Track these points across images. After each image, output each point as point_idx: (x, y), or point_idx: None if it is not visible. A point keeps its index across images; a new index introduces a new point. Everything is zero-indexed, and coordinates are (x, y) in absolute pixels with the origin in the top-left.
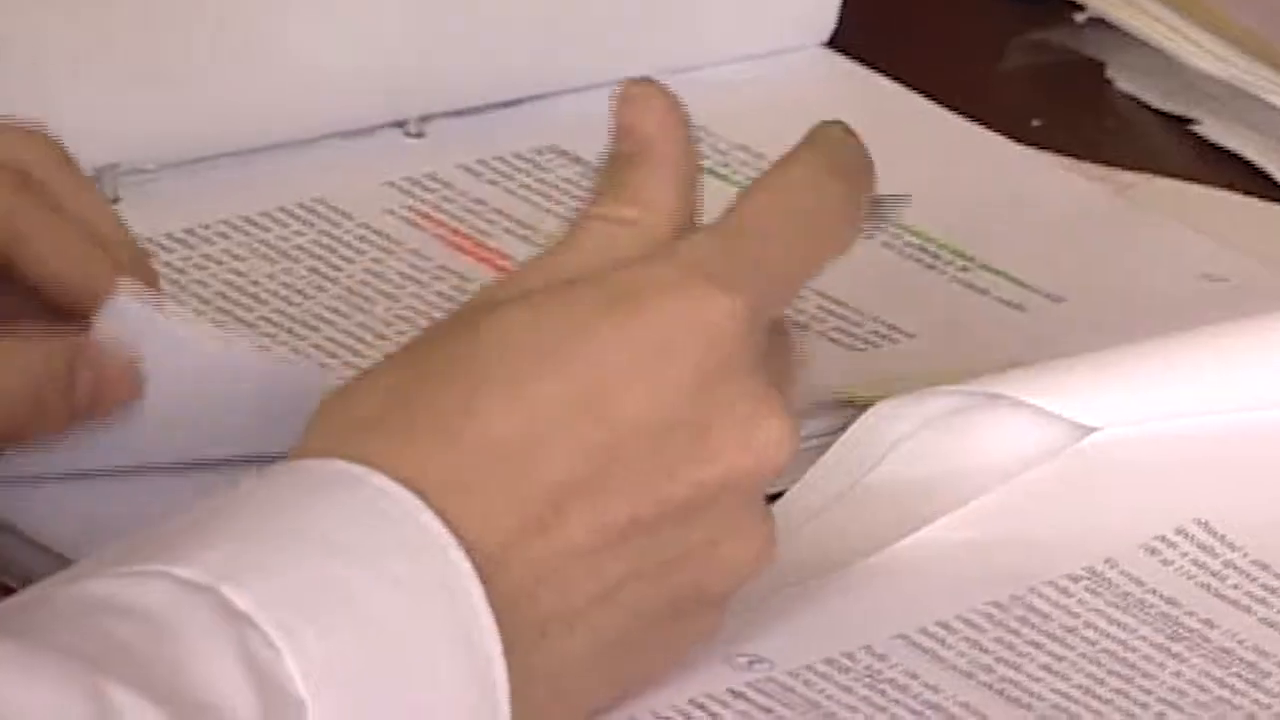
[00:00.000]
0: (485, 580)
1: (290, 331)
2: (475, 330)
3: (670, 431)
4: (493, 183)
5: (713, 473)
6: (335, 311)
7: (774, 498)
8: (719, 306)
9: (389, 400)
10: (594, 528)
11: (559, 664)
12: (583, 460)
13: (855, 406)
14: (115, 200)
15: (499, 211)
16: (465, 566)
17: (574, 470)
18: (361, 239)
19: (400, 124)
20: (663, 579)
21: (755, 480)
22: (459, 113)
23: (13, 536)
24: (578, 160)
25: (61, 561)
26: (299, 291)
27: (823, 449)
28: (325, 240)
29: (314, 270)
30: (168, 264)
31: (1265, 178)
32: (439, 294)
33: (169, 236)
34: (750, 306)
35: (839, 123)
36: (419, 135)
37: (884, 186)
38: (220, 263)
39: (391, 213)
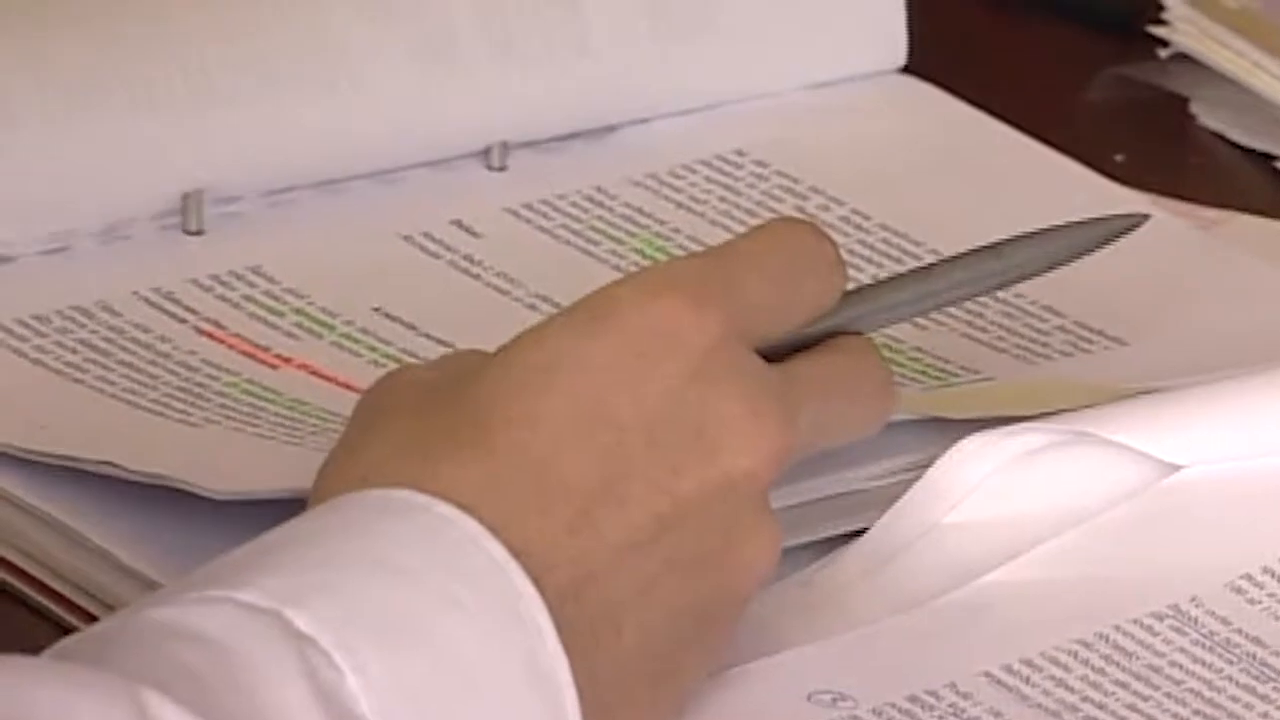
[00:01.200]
0: (537, 581)
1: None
2: (490, 370)
3: (665, 432)
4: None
5: (713, 471)
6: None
7: (857, 534)
8: (684, 318)
9: (427, 431)
10: (622, 526)
11: (613, 667)
12: (600, 463)
13: (944, 426)
14: (198, 232)
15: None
16: (529, 590)
17: (595, 474)
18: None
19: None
20: (690, 578)
21: (756, 482)
22: (537, 143)
23: (105, 561)
24: (647, 188)
25: (148, 586)
26: (386, 315)
27: (908, 484)
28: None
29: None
30: (247, 296)
31: None
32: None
33: (258, 271)
34: (722, 322)
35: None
36: (501, 169)
37: (965, 212)
38: (302, 295)
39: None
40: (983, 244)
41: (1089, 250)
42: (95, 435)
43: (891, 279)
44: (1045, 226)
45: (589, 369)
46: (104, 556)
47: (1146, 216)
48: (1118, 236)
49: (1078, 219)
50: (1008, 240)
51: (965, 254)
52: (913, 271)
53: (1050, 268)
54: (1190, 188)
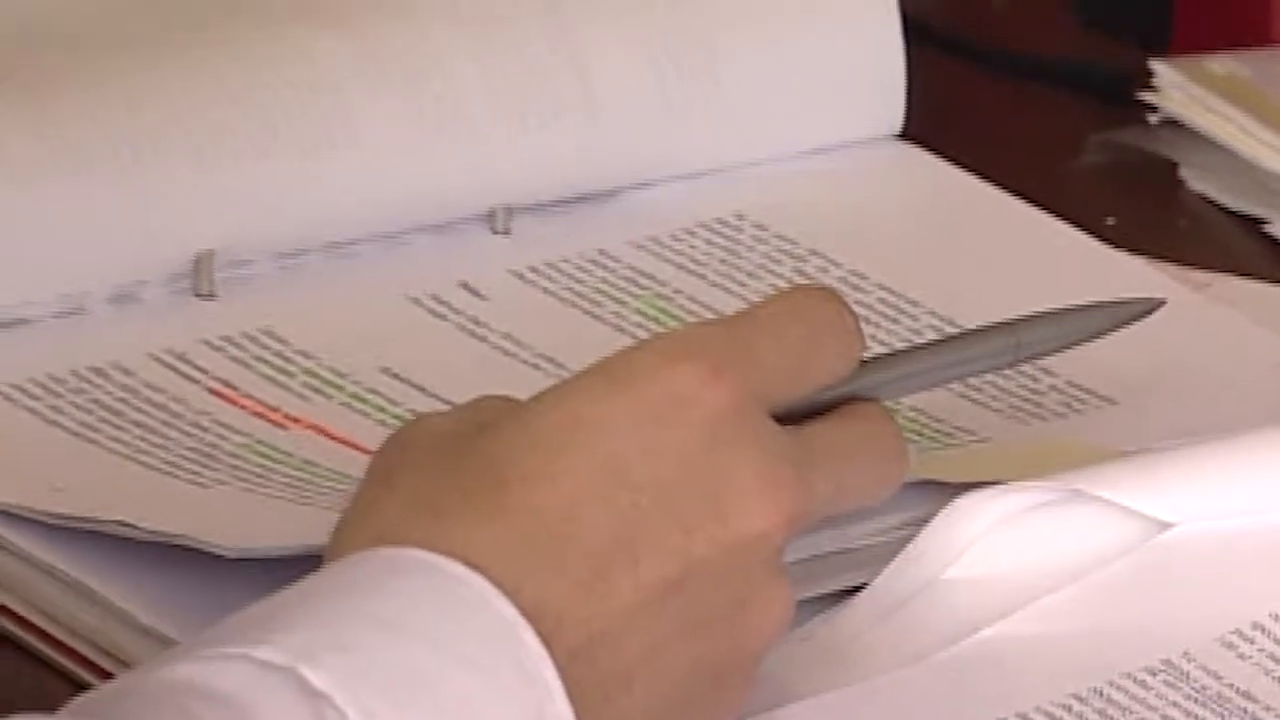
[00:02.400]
0: (548, 641)
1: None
2: (505, 428)
3: (681, 494)
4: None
5: (725, 533)
6: (422, 390)
7: (856, 590)
8: (702, 384)
9: (439, 489)
10: (634, 586)
11: None
12: (615, 523)
13: (945, 487)
14: (210, 294)
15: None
16: (539, 648)
17: (608, 534)
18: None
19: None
20: (702, 638)
21: (768, 544)
22: (541, 207)
23: (122, 619)
24: (649, 251)
25: (165, 643)
26: (395, 376)
27: (906, 540)
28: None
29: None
30: (258, 357)
31: None
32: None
33: (269, 332)
34: (739, 388)
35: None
36: (506, 232)
37: (960, 274)
38: (312, 357)
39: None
40: (999, 321)
41: (1104, 333)
42: (110, 495)
43: (908, 350)
44: (1061, 307)
45: (606, 431)
46: (121, 614)
47: (1163, 302)
48: (1134, 320)
49: (1093, 300)
50: (1023, 319)
51: (981, 329)
52: (929, 344)
53: (1064, 348)
54: (1180, 251)
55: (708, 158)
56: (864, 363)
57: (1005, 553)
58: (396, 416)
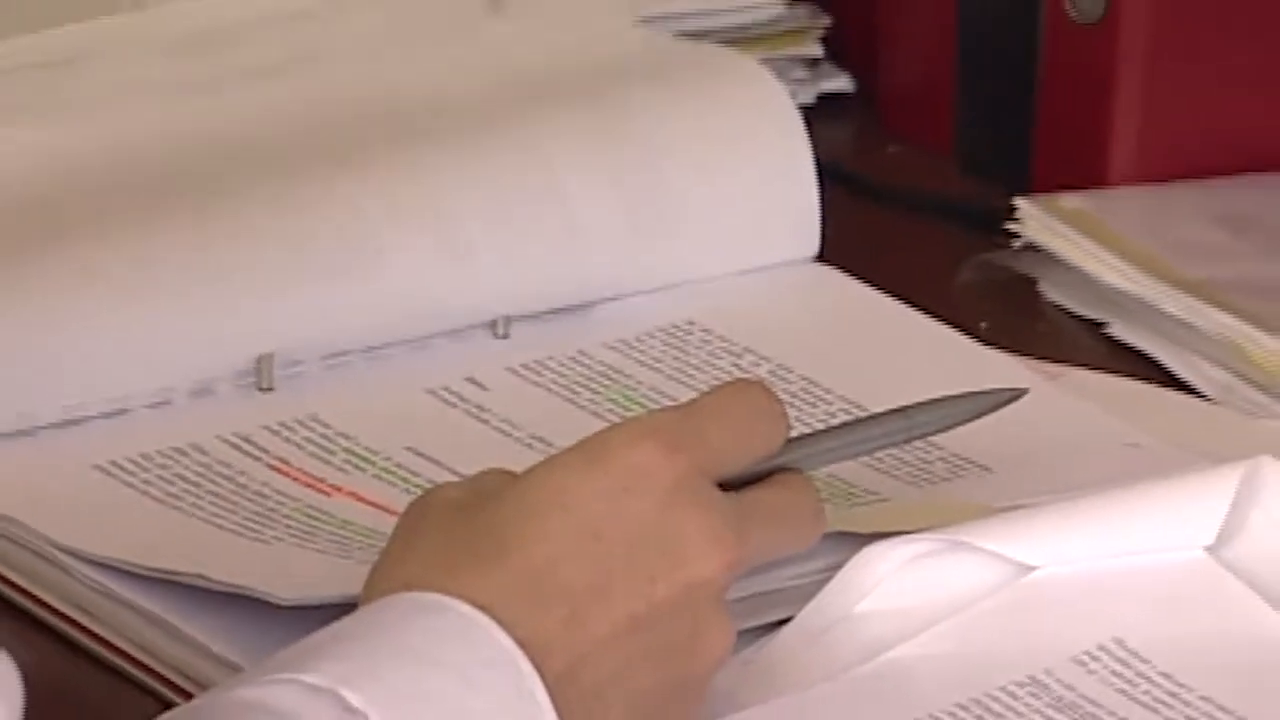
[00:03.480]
0: (539, 667)
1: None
2: (503, 500)
3: (644, 548)
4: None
5: (681, 578)
6: (438, 464)
7: (786, 621)
8: (659, 460)
9: (453, 546)
10: (608, 622)
11: None
12: (592, 572)
13: (855, 538)
14: (269, 389)
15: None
16: (532, 673)
17: (586, 581)
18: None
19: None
20: (663, 662)
21: (714, 586)
22: (533, 317)
23: (199, 650)
24: (618, 350)
25: (232, 669)
26: (416, 453)
27: (824, 582)
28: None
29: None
30: (308, 438)
31: (1162, 369)
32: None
33: (316, 418)
34: (689, 463)
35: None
36: (505, 337)
37: (865, 367)
38: (350, 438)
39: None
40: (896, 406)
41: (980, 415)
42: (190, 551)
43: (823, 431)
44: (945, 395)
45: (584, 499)
46: (198, 646)
47: (1026, 390)
48: (1003, 405)
49: (971, 390)
50: (916, 405)
51: (883, 413)
52: (841, 425)
53: (949, 428)
54: (1038, 348)
55: (663, 276)
56: (789, 440)
57: (905, 590)
58: (418, 486)
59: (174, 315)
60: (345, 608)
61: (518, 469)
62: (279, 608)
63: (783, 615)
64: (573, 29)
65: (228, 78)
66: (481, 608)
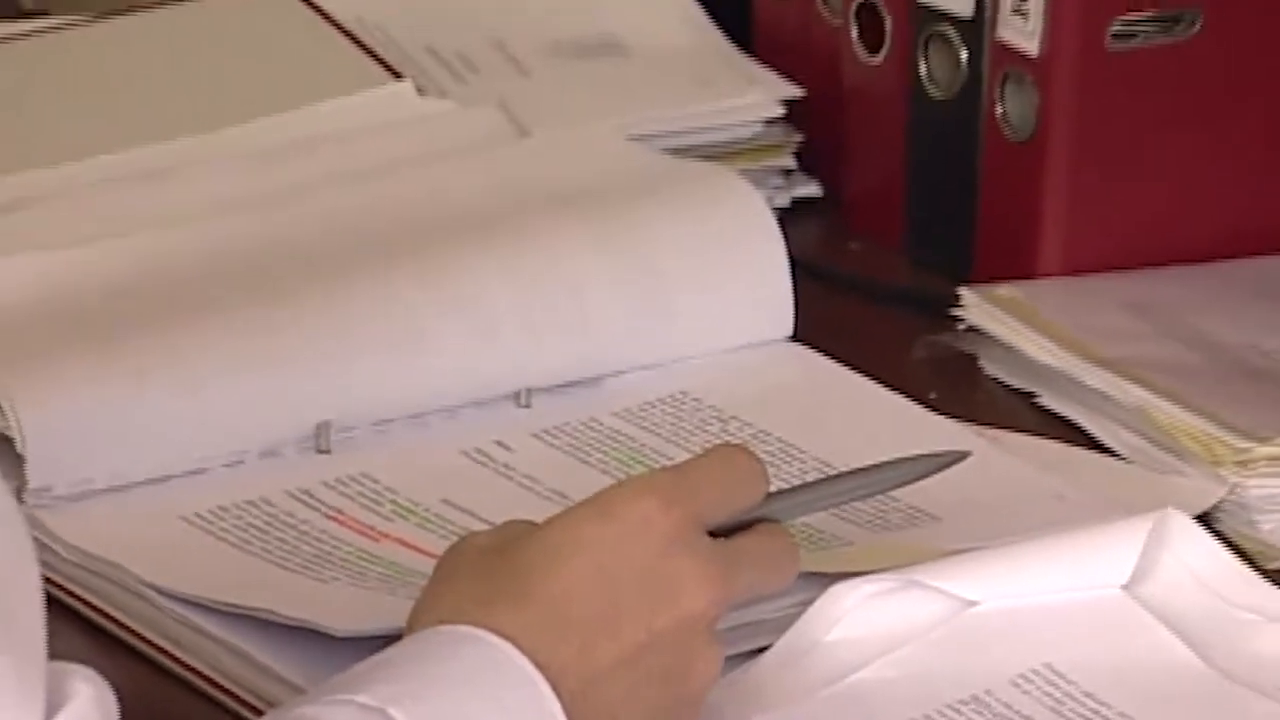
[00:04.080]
0: (556, 689)
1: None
2: (527, 546)
3: (646, 587)
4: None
5: (677, 613)
6: (470, 515)
7: (763, 650)
8: (659, 513)
9: (483, 586)
10: (616, 650)
11: None
12: (601, 608)
13: (824, 577)
14: (327, 451)
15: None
16: (550, 694)
17: (597, 615)
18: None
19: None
20: (663, 684)
21: (705, 619)
22: (552, 388)
23: (268, 673)
24: (624, 418)
25: (295, 690)
26: (452, 505)
27: (798, 614)
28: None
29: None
30: (359, 492)
31: (1084, 433)
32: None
33: (367, 475)
34: (684, 515)
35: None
36: (527, 406)
37: (833, 431)
38: (396, 492)
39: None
40: (861, 466)
41: (930, 474)
42: (260, 590)
43: (798, 486)
44: (901, 456)
45: (596, 547)
46: (267, 671)
47: (969, 452)
48: (950, 465)
49: (923, 452)
50: (875, 465)
51: (848, 472)
52: (811, 482)
53: (905, 484)
54: (980, 415)
55: (661, 354)
56: (769, 495)
57: (867, 621)
58: (453, 533)
59: (247, 389)
60: (392, 638)
61: (538, 519)
62: (335, 638)
63: (763, 643)
64: (580, 150)
65: (295, 189)
66: (508, 638)
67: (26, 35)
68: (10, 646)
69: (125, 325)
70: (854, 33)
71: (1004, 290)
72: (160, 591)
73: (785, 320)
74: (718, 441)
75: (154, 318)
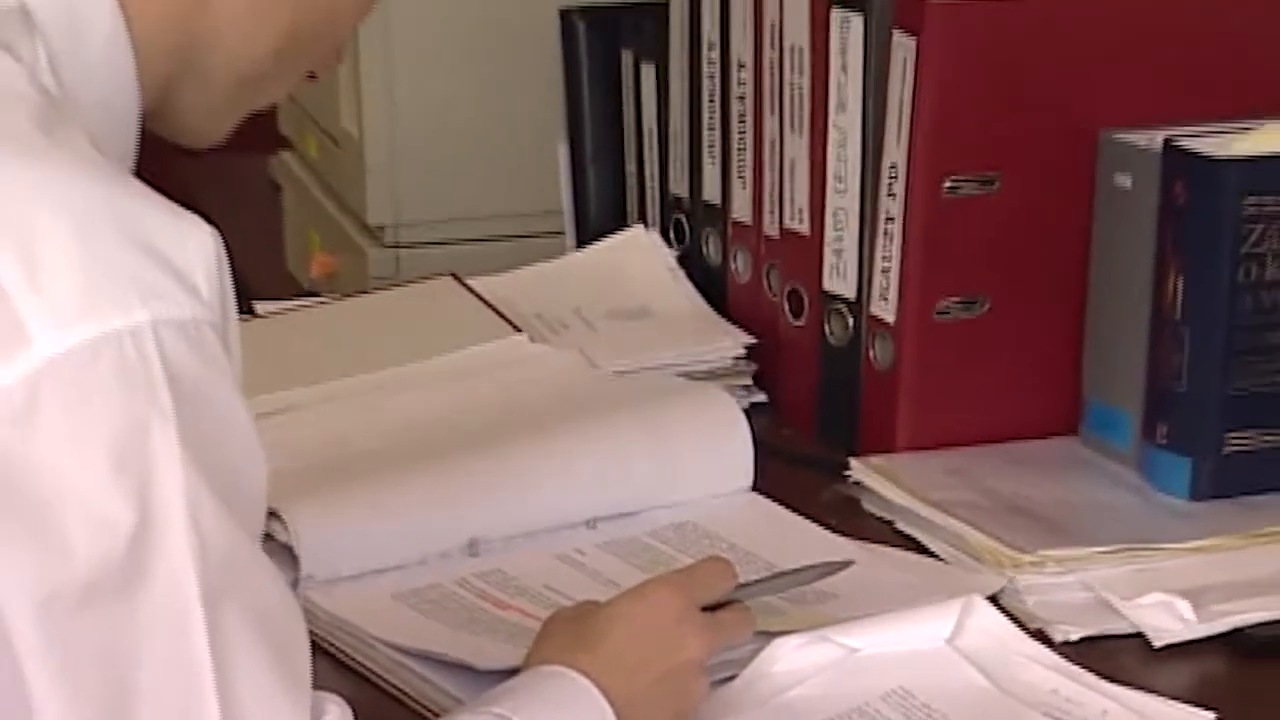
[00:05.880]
0: (612, 706)
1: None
2: (596, 615)
3: (663, 642)
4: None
5: (682, 658)
6: (560, 594)
7: (731, 678)
8: (672, 598)
9: (568, 641)
10: (645, 683)
11: None
12: (639, 654)
13: (769, 634)
14: (476, 555)
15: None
16: (608, 709)
17: (637, 658)
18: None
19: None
20: (672, 702)
21: (699, 661)
22: (613, 517)
23: (444, 692)
24: (655, 535)
25: (459, 702)
26: (550, 589)
27: (754, 656)
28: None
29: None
30: (496, 581)
31: (924, 547)
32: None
33: (499, 570)
34: (689, 598)
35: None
36: (594, 528)
37: (778, 545)
38: (516, 579)
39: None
40: (794, 568)
41: (832, 574)
42: (435, 640)
43: (752, 581)
44: (816, 562)
45: (635, 618)
46: (441, 689)
47: (854, 561)
48: (844, 568)
49: (828, 559)
50: (800, 567)
51: (782, 572)
52: (761, 579)
53: (816, 580)
54: (862, 535)
55: (673, 499)
56: (737, 586)
57: (795, 660)
58: (551, 606)
59: (429, 516)
60: (514, 671)
61: (601, 599)
62: (480, 671)
63: (732, 673)
64: (627, 377)
65: (457, 395)
66: (583, 674)
67: (295, 309)
68: (293, 682)
69: (359, 474)
70: (786, 306)
71: (875, 460)
72: (381, 642)
73: (748, 477)
74: (708, 552)
75: (375, 469)
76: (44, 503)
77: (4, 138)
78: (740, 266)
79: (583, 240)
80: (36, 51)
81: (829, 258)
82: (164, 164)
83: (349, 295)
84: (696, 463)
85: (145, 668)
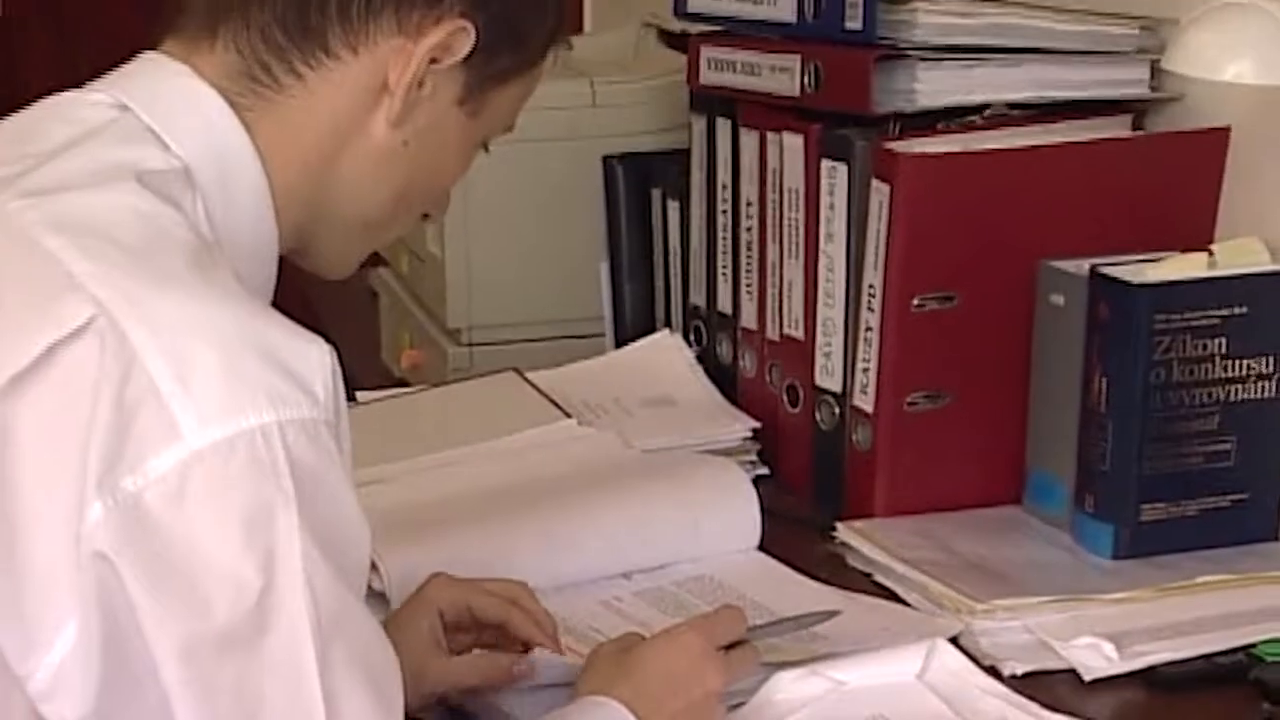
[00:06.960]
0: None
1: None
2: (632, 653)
3: (689, 677)
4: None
5: (704, 689)
6: (601, 634)
7: (741, 705)
8: (696, 640)
9: (608, 674)
10: (673, 709)
11: None
12: (669, 686)
13: (771, 665)
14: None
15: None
16: None
17: (665, 690)
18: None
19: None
20: None
21: (717, 692)
22: (645, 570)
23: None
24: (678, 586)
25: None
26: (594, 629)
27: (761, 685)
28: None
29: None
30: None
31: (897, 596)
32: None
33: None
34: (708, 639)
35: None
36: (630, 579)
37: (779, 591)
38: (566, 620)
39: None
40: (791, 615)
41: (823, 620)
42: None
43: (759, 625)
44: (809, 611)
45: (665, 656)
46: (504, 711)
47: (840, 610)
48: (834, 616)
49: (820, 608)
50: (796, 615)
51: (783, 618)
52: (767, 623)
53: (810, 625)
54: (848, 586)
55: (696, 554)
56: (748, 629)
57: (792, 690)
58: (595, 642)
59: (495, 570)
60: (569, 694)
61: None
62: (544, 692)
63: (740, 701)
64: (656, 455)
65: (518, 469)
66: (622, 703)
67: (389, 397)
68: (387, 707)
69: (439, 533)
70: (785, 397)
71: (858, 524)
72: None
73: (755, 537)
74: (723, 601)
75: (451, 529)
76: (190, 568)
77: (167, 277)
78: (748, 364)
79: (620, 341)
80: (196, 204)
81: (819, 359)
82: (295, 280)
83: (432, 385)
84: (713, 525)
85: (269, 701)
